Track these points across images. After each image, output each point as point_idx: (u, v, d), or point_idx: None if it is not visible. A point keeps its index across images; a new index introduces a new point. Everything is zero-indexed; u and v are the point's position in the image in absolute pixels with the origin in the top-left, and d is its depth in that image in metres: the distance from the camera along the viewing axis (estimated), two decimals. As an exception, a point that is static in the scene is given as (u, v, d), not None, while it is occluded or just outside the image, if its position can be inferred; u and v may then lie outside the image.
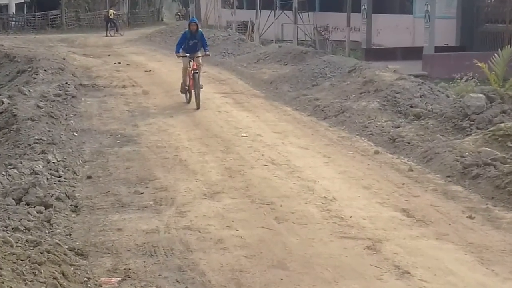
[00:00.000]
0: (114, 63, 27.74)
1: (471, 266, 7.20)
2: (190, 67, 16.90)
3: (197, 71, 16.89)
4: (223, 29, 41.10)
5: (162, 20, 69.16)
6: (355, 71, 18.57)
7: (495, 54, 18.38)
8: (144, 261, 7.30)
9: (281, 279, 6.84)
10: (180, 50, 17.21)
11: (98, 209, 9.13)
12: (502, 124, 12.10)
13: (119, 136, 13.73)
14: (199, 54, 17.44)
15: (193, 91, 16.89)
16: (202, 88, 17.02)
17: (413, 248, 7.66)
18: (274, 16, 40.12)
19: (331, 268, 7.11)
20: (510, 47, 18.76)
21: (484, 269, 7.16)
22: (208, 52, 17.79)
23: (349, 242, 7.88)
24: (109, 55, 31.90)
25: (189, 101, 17.27)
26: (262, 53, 27.08)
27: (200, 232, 8.22)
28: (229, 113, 16.31)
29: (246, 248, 7.69)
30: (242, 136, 13.70)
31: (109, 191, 9.91)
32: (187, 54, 17.04)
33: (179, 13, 74.46)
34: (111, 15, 48.80)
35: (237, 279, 6.85)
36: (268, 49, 28.11)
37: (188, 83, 17.12)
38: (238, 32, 37.51)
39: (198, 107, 16.56)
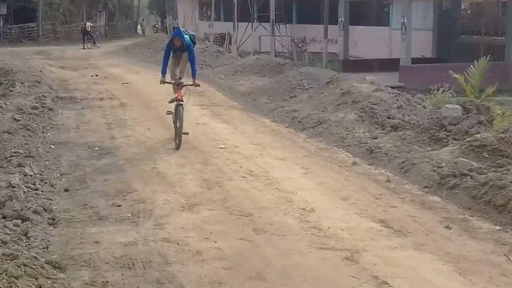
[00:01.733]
0: (92, 76, 27.64)
1: (448, 276, 7.23)
2: (176, 90, 14.26)
3: (182, 103, 13.83)
4: (200, 41, 41.12)
5: (143, 33, 68.93)
6: (333, 82, 18.64)
7: (471, 66, 18.57)
8: (122, 274, 7.26)
9: (260, 290, 6.85)
10: (168, 67, 14.54)
11: (75, 222, 9.07)
12: (478, 135, 12.19)
13: (97, 148, 13.66)
14: (185, 82, 14.42)
15: (174, 126, 13.92)
16: (187, 134, 13.90)
17: (391, 259, 7.68)
18: (252, 28, 40.26)
19: (310, 279, 7.11)
20: (486, 58, 18.96)
21: (462, 279, 7.19)
22: (197, 81, 14.47)
23: (327, 253, 7.88)
24: (86, 68, 31.81)
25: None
26: (240, 65, 27.15)
27: (178, 244, 8.19)
28: (207, 125, 16.31)
29: (225, 260, 7.67)
30: (220, 148, 13.69)
31: (86, 204, 9.85)
32: (172, 81, 14.45)
33: (156, 26, 74.49)
34: (88, 27, 48.72)
35: (216, 292, 6.84)
36: (246, 61, 28.19)
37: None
38: (216, 44, 37.53)
39: (178, 147, 13.47)
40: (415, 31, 28.81)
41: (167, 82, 14.38)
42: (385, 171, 11.83)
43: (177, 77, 14.54)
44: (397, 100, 16.15)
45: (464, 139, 12.39)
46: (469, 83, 17.93)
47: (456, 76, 18.43)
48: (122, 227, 8.83)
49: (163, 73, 14.29)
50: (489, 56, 20.41)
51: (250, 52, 36.83)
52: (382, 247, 8.07)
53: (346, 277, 7.19)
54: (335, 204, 9.90)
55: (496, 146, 11.72)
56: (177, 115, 13.70)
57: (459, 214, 9.38)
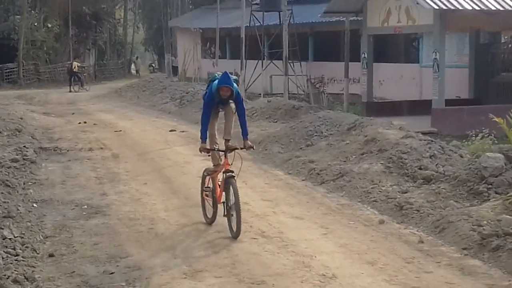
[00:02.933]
0: (79, 123, 27.84)
1: None
2: (220, 161, 12.04)
3: (233, 174, 11.53)
4: (203, 82, 41.33)
5: (137, 72, 69.44)
6: (355, 128, 18.72)
7: (514, 108, 18.58)
8: None
9: None
10: (210, 128, 12.13)
11: (61, 293, 9.08)
12: (524, 188, 12.20)
13: (86, 207, 13.70)
14: (233, 145, 12.10)
15: (224, 206, 11.71)
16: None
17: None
18: (262, 66, 40.41)
19: None
20: (531, 99, 19.01)
21: None
22: (250, 142, 12.35)
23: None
24: (73, 114, 32.05)
25: (211, 221, 12.17)
26: (248, 109, 27.19)
27: (180, 317, 8.18)
28: (211, 179, 16.34)
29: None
30: (227, 205, 13.71)
31: (74, 271, 9.84)
32: (215, 147, 12.04)
33: (153, 65, 75.05)
34: (75, 67, 49.06)
35: None
36: (255, 104, 28.34)
37: (215, 190, 12.09)
38: (221, 85, 37.69)
39: (236, 235, 11.25)
40: (449, 68, 28.86)
41: (210, 149, 11.96)
42: (417, 231, 11.81)
43: (217, 140, 12.21)
44: (430, 148, 16.15)
45: (508, 193, 12.38)
46: (512, 128, 17.93)
47: (497, 120, 18.44)
48: (115, 298, 8.82)
49: (204, 137, 11.92)
50: (534, 96, 20.45)
51: (260, 94, 37.00)
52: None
53: None
54: (360, 269, 9.87)
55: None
56: (228, 190, 11.45)
57: (504, 280, 9.35)
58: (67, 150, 20.88)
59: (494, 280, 9.34)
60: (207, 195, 12.11)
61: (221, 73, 11.93)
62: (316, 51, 42.95)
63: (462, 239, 10.86)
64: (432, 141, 16.88)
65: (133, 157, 19.48)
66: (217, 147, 11.86)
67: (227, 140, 12.08)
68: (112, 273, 9.74)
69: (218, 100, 11.81)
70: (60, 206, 13.80)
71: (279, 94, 35.66)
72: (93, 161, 19.05)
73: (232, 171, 11.45)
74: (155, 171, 17.33)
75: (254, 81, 39.87)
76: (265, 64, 40.64)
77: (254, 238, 11.35)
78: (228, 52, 51.12)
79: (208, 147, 11.87)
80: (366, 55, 31.27)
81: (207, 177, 12.21)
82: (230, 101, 11.85)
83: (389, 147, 16.31)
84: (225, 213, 11.51)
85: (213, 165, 12.13)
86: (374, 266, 10.03)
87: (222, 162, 11.76)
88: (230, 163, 11.58)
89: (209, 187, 12.05)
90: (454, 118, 26.04)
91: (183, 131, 24.36)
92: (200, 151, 12.02)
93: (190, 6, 68.22)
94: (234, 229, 11.18)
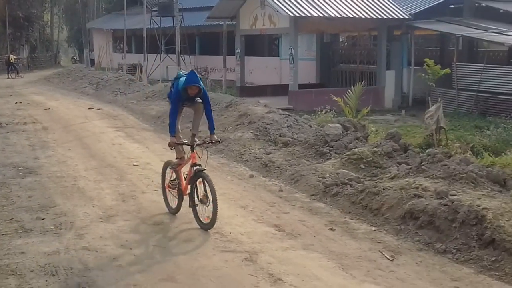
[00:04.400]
0: (16, 102, 26.83)
1: (333, 271, 7.36)
2: (183, 154, 9.76)
3: (201, 167, 9.20)
4: (114, 70, 40.59)
5: (59, 63, 67.69)
6: (231, 106, 18.73)
7: (349, 90, 18.97)
8: (46, 280, 7.06)
9: (171, 290, 6.77)
10: (177, 123, 9.58)
11: (2, 235, 8.76)
12: (356, 149, 12.49)
13: (21, 168, 13.25)
14: (201, 140, 10.09)
15: (190, 197, 9.32)
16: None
17: (284, 258, 7.75)
18: (160, 59, 40.06)
19: (214, 279, 7.10)
20: (361, 84, 19.42)
21: (344, 273, 7.33)
22: (216, 136, 9.92)
23: (229, 255, 7.89)
24: (10, 95, 30.83)
25: (175, 211, 9.72)
26: (150, 91, 26.90)
27: (97, 252, 8.03)
28: (121, 145, 16.06)
29: (139, 264, 7.57)
30: (133, 165, 13.52)
31: (12, 218, 9.52)
32: (184, 141, 9.68)
33: (74, 57, 73.20)
34: (11, 59, 47.38)
35: (132, 293, 6.73)
36: (155, 88, 27.94)
37: (180, 182, 9.65)
38: (129, 73, 37.07)
39: (211, 224, 8.82)
40: (301, 61, 29.23)
41: (180, 144, 9.58)
42: (278, 182, 11.95)
43: (181, 135, 9.87)
44: (287, 120, 16.35)
45: (344, 153, 12.65)
46: (347, 105, 18.31)
47: (336, 99, 18.81)
48: (46, 238, 8.59)
49: (173, 131, 9.41)
50: (363, 81, 20.89)
51: (159, 80, 36.54)
52: (276, 248, 8.14)
53: (246, 275, 7.22)
54: (235, 212, 9.93)
55: (371, 158, 12.03)
56: (195, 183, 9.18)
57: (341, 217, 9.57)
58: (6, 124, 20.10)
59: (334, 218, 9.55)
60: (170, 187, 9.77)
61: (184, 72, 9.86)
62: (202, 47, 42.72)
63: (311, 188, 11.05)
64: (289, 115, 17.09)
65: (59, 129, 18.93)
66: (186, 141, 9.60)
67: (193, 135, 9.85)
68: (43, 219, 9.47)
69: (185, 97, 9.45)
70: (1, 168, 13.31)
71: (173, 80, 35.28)
72: (27, 133, 18.41)
73: (200, 165, 9.15)
74: (77, 139, 16.91)
75: (154, 70, 39.38)
76: (162, 57, 40.20)
77: (155, 190, 11.23)
78: (134, 47, 50.19)
79: (179, 142, 9.47)
80: (239, 51, 31.33)
81: (170, 170, 9.92)
82: (197, 98, 9.54)
83: (257, 119, 16.41)
84: (191, 204, 9.23)
85: (176, 158, 9.82)
86: (246, 209, 10.09)
87: (188, 156, 9.48)
88: (200, 157, 9.30)
89: (174, 180, 9.73)
90: (305, 98, 26.41)
91: (99, 109, 23.81)
92: (170, 145, 9.42)
93: (104, 12, 66.60)
94: (209, 217, 8.74)
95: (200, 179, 9.00)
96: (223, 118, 17.92)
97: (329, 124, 14.39)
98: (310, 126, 16.20)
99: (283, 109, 19.17)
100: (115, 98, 27.40)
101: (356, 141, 13.72)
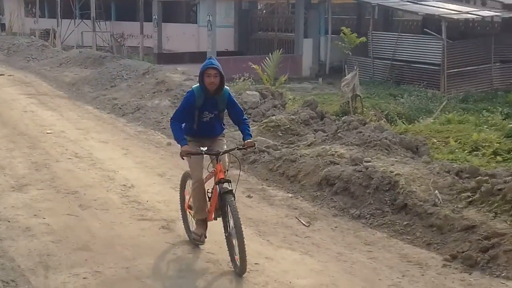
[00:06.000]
0: None
1: (250, 238, 7.39)
2: (213, 171, 6.78)
3: (229, 187, 6.54)
4: (27, 36, 39.32)
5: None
6: (149, 73, 18.49)
7: (267, 58, 19.06)
8: (-45, 252, 6.86)
9: (86, 259, 6.67)
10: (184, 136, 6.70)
11: None
12: (274, 117, 12.58)
13: None
14: (225, 146, 7.12)
15: (224, 226, 6.63)
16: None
17: (202, 225, 7.74)
18: (74, 24, 38.99)
19: (130, 247, 7.05)
20: (279, 51, 19.53)
21: (261, 239, 7.41)
22: (251, 139, 6.92)
23: (146, 224, 7.85)
24: None
25: (200, 241, 6.97)
26: (64, 58, 26.19)
27: (9, 221, 7.83)
28: (34, 113, 15.61)
29: (53, 234, 7.43)
30: (47, 133, 13.19)
31: None
32: (202, 149, 6.63)
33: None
34: None
35: (45, 263, 6.59)
36: (69, 54, 27.22)
37: (206, 207, 6.84)
38: (41, 39, 35.96)
39: (241, 271, 6.36)
40: (219, 28, 29.10)
41: (194, 154, 6.58)
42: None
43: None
44: (204, 88, 16.28)
45: (262, 121, 12.72)
46: (265, 73, 18.39)
47: (254, 66, 18.86)
48: (-46, 209, 8.31)
49: (183, 139, 6.61)
50: (281, 49, 21.01)
51: (73, 46, 35.60)
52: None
53: (163, 243, 7.20)
54: (153, 180, 9.86)
55: (288, 126, 12.15)
56: (224, 208, 6.51)
57: (258, 185, 9.64)
58: None
59: (251, 185, 9.62)
60: (190, 208, 7.15)
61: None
62: (118, 13, 41.83)
63: (228, 155, 11.03)
64: (206, 82, 16.99)
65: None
66: (204, 149, 6.63)
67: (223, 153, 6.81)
68: (-49, 189, 9.17)
69: (201, 99, 6.59)
70: None
71: (88, 46, 34.46)
72: None
73: (229, 181, 6.54)
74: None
75: (68, 36, 38.36)
76: (77, 22, 39.18)
77: (69, 159, 11.03)
78: (47, 12, 48.63)
79: (193, 151, 6.56)
80: (156, 16, 30.92)
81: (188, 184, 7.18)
82: (219, 110, 6.74)
83: (175, 87, 16.29)
84: (225, 234, 6.58)
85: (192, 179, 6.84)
86: (163, 177, 10.04)
87: (212, 169, 6.80)
88: (226, 170, 6.70)
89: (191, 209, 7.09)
90: (223, 65, 26.08)
91: (10, 75, 23.02)
92: (182, 156, 6.59)
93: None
94: (238, 262, 6.35)
95: (228, 206, 6.38)
96: (140, 85, 17.68)
97: (247, 92, 14.43)
98: (228, 94, 16.17)
99: (201, 77, 19.05)
100: (27, 64, 26.54)
101: (274, 108, 13.82)
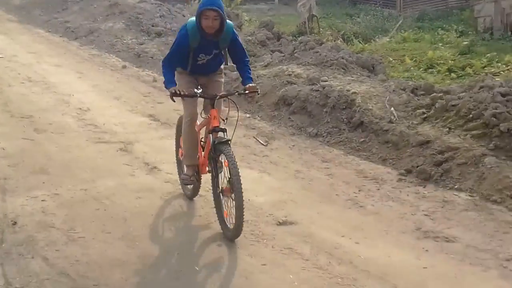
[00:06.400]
0: None
1: (209, 157, 7.45)
2: (206, 117, 5.94)
3: (225, 135, 5.56)
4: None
5: None
6: (101, -5, 18.08)
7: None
8: None
9: (43, 182, 6.62)
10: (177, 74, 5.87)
11: None
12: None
13: None
14: (222, 88, 6.30)
15: (212, 178, 5.69)
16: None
17: (160, 147, 7.76)
18: None
19: (88, 170, 7.01)
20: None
21: (220, 159, 7.43)
22: (253, 84, 5.92)
23: (103, 146, 7.81)
24: None
25: (192, 195, 6.26)
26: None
27: (-39, 146, 7.72)
28: (-16, 37, 15.23)
29: (9, 158, 7.34)
30: (-2, 57, 12.92)
31: None
32: (197, 90, 5.69)
33: None
34: None
35: (2, 186, 6.52)
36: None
37: (197, 154, 6.03)
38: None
39: (235, 234, 5.31)
40: None
41: (185, 95, 5.56)
42: (152, 72, 11.81)
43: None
44: (160, 10, 16.03)
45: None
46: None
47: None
48: None
49: (171, 82, 5.61)
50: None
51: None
52: (151, 138, 8.13)
53: (121, 165, 7.18)
54: (109, 103, 9.77)
55: (245, 47, 12.02)
56: (216, 161, 5.57)
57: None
58: None
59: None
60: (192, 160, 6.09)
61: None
62: None
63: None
64: (161, 4, 16.74)
65: None
66: (199, 91, 5.69)
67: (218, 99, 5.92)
68: None
69: (198, 40, 5.58)
70: None
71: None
72: None
73: (224, 130, 5.61)
74: None
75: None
76: None
77: (22, 83, 10.83)
78: None
79: (181, 92, 5.49)
80: None
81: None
82: (218, 50, 5.85)
83: (129, 9, 16.01)
84: (213, 191, 5.70)
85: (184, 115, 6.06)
86: (120, 100, 9.95)
87: (206, 115, 5.94)
88: (224, 120, 5.84)
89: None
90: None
91: None
92: (171, 97, 5.52)
93: None
94: (232, 220, 5.31)
95: (223, 156, 5.44)
96: (93, 8, 17.31)
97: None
98: (184, 16, 15.95)
99: (155, -1, 18.70)
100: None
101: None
